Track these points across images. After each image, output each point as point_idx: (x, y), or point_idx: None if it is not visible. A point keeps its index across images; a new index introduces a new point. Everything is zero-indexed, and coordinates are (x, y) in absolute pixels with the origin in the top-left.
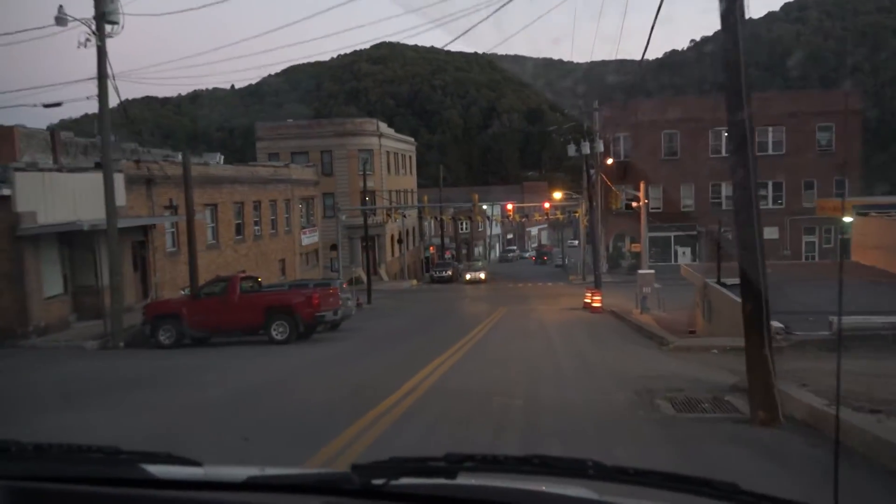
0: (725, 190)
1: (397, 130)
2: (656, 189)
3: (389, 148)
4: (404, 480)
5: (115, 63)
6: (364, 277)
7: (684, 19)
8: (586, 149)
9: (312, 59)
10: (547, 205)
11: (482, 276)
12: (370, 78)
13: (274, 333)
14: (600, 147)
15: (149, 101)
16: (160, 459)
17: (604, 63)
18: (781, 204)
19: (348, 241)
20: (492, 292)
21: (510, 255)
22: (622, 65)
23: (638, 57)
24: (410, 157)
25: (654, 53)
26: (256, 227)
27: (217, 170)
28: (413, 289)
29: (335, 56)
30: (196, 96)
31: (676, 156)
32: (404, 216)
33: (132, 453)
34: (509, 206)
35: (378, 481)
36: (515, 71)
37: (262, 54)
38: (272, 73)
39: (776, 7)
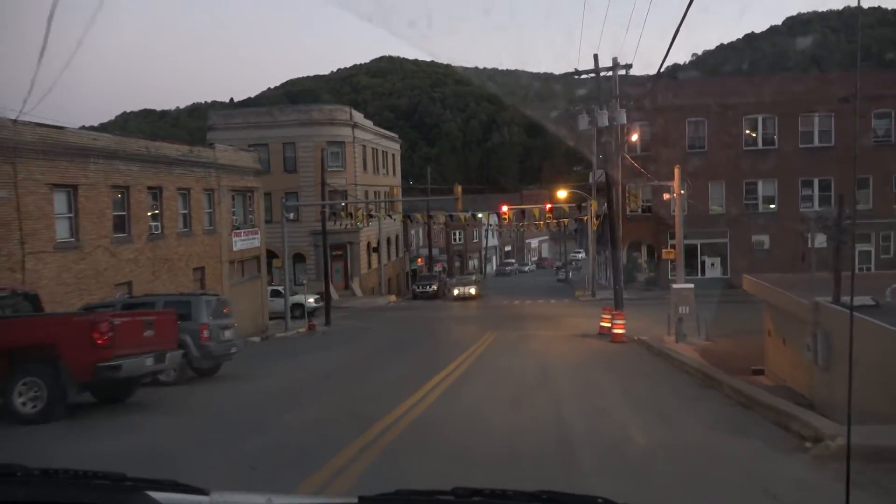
0: (763, 189)
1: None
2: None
3: (366, 142)
4: None
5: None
6: (332, 291)
7: (682, 35)
8: (603, 119)
9: (312, 73)
10: (549, 206)
11: (472, 291)
12: (369, 91)
13: (19, 401)
14: (622, 117)
15: (147, 113)
16: (166, 487)
17: (605, 79)
18: (830, 205)
19: (314, 250)
20: (482, 311)
21: (508, 268)
22: (622, 80)
23: (638, 74)
24: (394, 155)
25: (654, 68)
26: (154, 224)
27: (78, 136)
28: (390, 306)
29: (334, 70)
30: (194, 109)
31: (704, 148)
32: (371, 215)
33: (138, 480)
34: (504, 209)
35: None
36: (513, 86)
37: (261, 67)
38: (271, 86)
39: (778, 21)
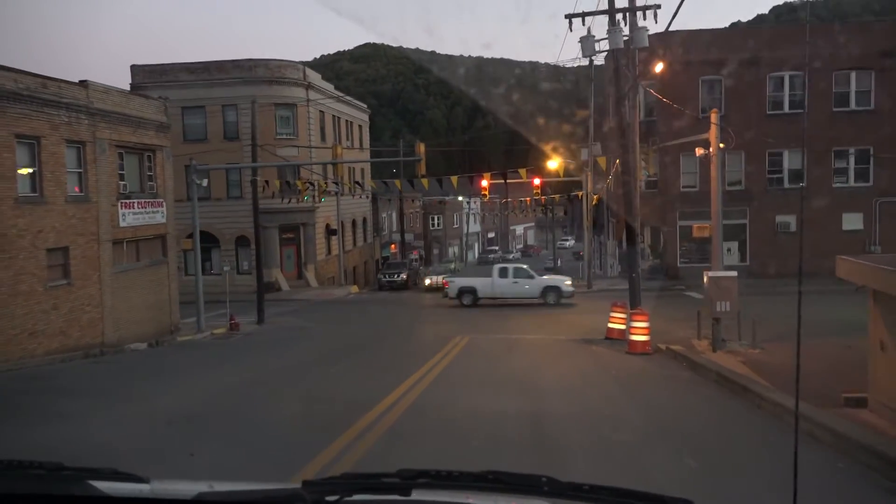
0: (789, 160)
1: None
2: (690, 159)
3: (325, 107)
4: (357, 497)
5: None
6: (281, 281)
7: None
8: (616, 39)
9: (296, 60)
10: (538, 181)
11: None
12: (352, 77)
13: None
14: (642, 38)
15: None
16: (105, 476)
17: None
18: (868, 181)
19: (261, 231)
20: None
21: (491, 255)
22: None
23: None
24: (361, 126)
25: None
26: None
27: None
28: (349, 298)
29: (318, 56)
30: None
31: (720, 112)
32: (311, 185)
33: (76, 469)
34: (484, 183)
35: (331, 498)
36: (503, 73)
37: (243, 55)
38: None
39: (765, 10)
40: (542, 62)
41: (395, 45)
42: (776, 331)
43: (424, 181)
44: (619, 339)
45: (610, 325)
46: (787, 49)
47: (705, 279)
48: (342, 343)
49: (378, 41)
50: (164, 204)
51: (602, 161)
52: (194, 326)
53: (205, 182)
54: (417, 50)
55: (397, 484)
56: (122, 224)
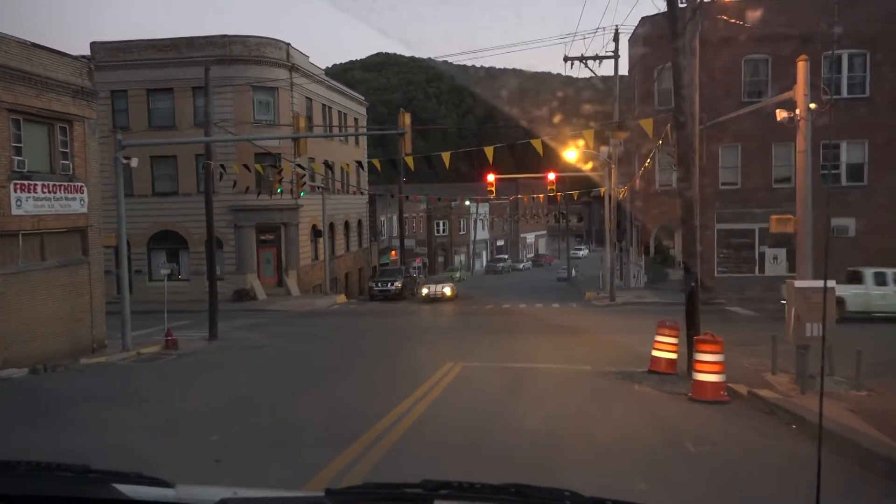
0: (847, 153)
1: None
2: (731, 152)
3: (314, 94)
4: None
5: None
6: (257, 288)
7: None
8: None
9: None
10: (552, 175)
11: (447, 291)
12: (363, 85)
13: None
14: None
15: None
16: (131, 479)
17: (604, 78)
18: None
19: (234, 232)
20: (456, 318)
21: (500, 265)
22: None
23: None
24: (357, 119)
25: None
26: None
27: None
28: (333, 310)
29: (330, 66)
30: None
31: (767, 96)
32: (275, 167)
33: (102, 472)
34: (490, 178)
35: None
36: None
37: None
38: None
39: None
40: (555, 72)
41: (407, 54)
42: (869, 362)
43: (409, 159)
44: (668, 374)
45: (655, 354)
46: (845, 24)
47: (787, 291)
48: (293, 369)
49: (391, 51)
50: (86, 190)
51: (648, 125)
52: (145, 340)
53: (134, 162)
54: (430, 59)
55: (419, 494)
56: (16, 212)
